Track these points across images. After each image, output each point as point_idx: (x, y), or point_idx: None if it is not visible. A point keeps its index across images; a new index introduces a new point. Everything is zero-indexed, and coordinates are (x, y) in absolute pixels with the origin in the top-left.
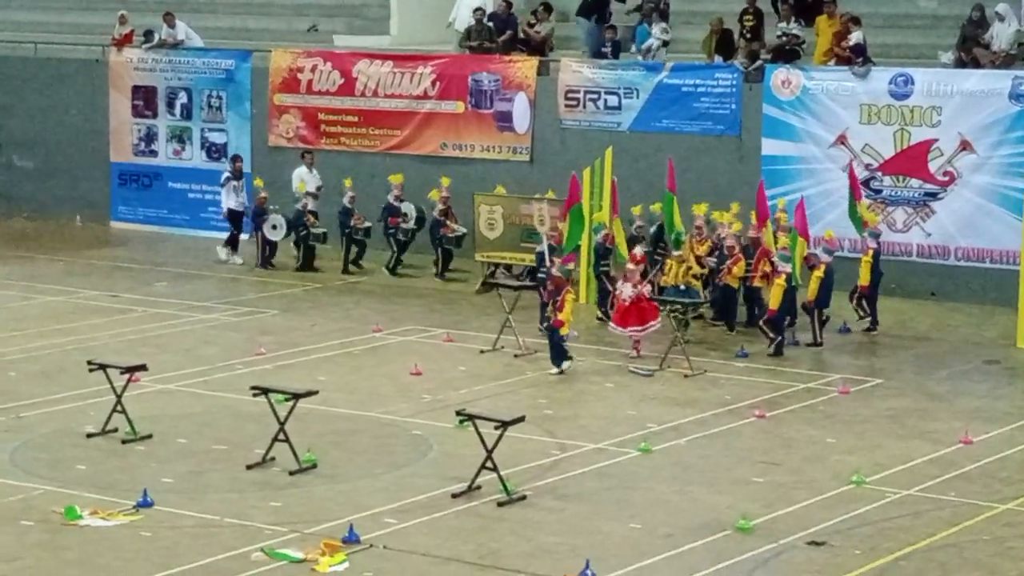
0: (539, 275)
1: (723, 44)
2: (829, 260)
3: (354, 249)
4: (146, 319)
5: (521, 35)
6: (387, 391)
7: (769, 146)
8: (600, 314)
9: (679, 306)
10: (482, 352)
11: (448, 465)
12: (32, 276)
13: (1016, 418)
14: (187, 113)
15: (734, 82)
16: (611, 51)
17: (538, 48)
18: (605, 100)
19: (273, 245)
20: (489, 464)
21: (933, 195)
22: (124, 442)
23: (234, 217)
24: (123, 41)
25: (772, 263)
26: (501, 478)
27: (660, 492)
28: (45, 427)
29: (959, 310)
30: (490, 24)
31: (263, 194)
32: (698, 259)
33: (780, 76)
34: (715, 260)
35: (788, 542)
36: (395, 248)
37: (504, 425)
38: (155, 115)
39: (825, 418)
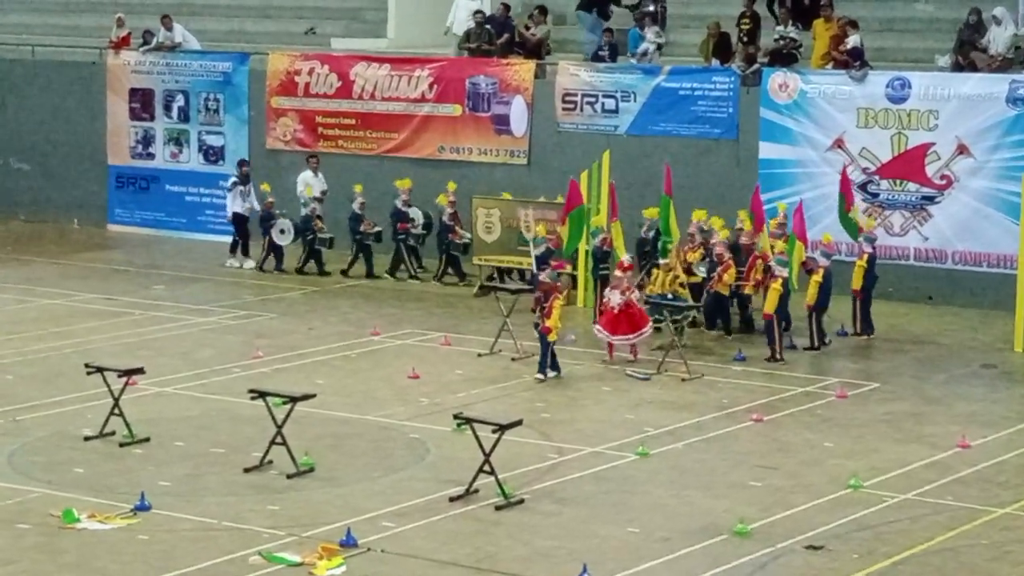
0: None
1: (720, 48)
2: (827, 264)
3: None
4: (143, 322)
5: (517, 38)
6: (385, 394)
7: (766, 150)
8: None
9: (674, 312)
10: (480, 356)
11: (445, 469)
12: (29, 279)
13: (1013, 422)
14: (184, 116)
15: (731, 86)
16: (608, 54)
17: (534, 51)
18: (602, 103)
19: (280, 250)
20: (487, 468)
21: (930, 199)
22: (121, 445)
23: (239, 222)
24: (120, 44)
25: (768, 267)
26: (499, 482)
27: (657, 496)
28: (42, 430)
29: (956, 314)
30: (489, 27)
31: (271, 199)
32: (688, 267)
33: (777, 80)
34: (705, 268)
35: (785, 546)
36: (404, 253)
37: (502, 429)
38: (152, 118)
39: (822, 422)
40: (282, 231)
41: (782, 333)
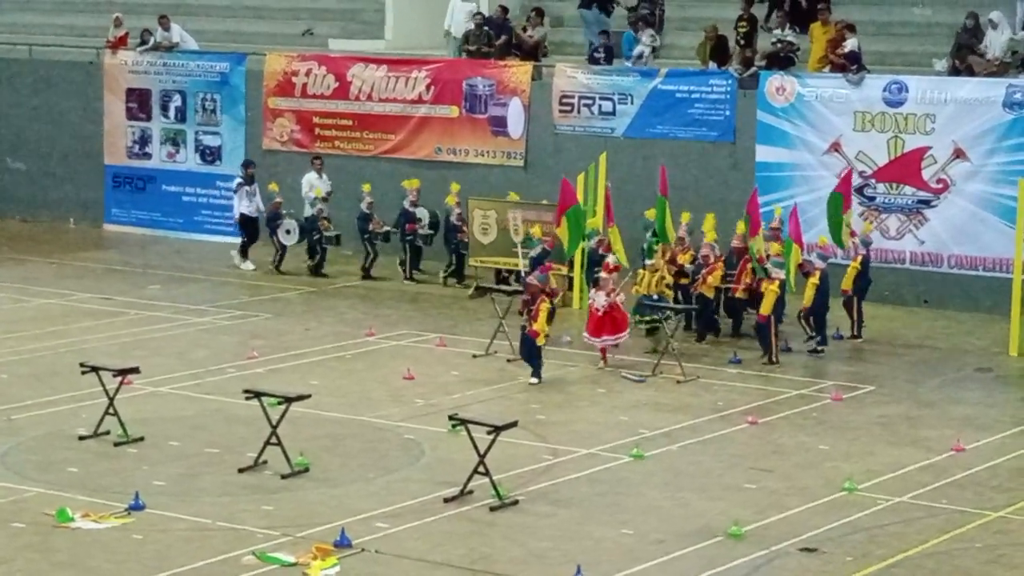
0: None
1: (718, 50)
2: (824, 266)
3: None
4: (139, 322)
5: (514, 40)
6: (380, 395)
7: (763, 153)
8: None
9: (669, 313)
10: (475, 357)
11: (440, 470)
12: (25, 278)
13: (1008, 426)
14: (181, 116)
15: (728, 88)
16: (604, 57)
17: (531, 53)
18: (599, 106)
19: (285, 249)
20: (481, 469)
21: (926, 203)
22: (116, 445)
23: (246, 223)
24: (118, 44)
25: (765, 271)
26: (493, 483)
27: (652, 498)
28: (37, 429)
29: (952, 318)
30: (487, 28)
31: (278, 199)
32: (680, 269)
33: (774, 83)
34: (693, 269)
35: (780, 549)
36: (409, 253)
37: (496, 430)
38: (149, 118)
39: (817, 425)
40: (288, 231)
41: (778, 336)
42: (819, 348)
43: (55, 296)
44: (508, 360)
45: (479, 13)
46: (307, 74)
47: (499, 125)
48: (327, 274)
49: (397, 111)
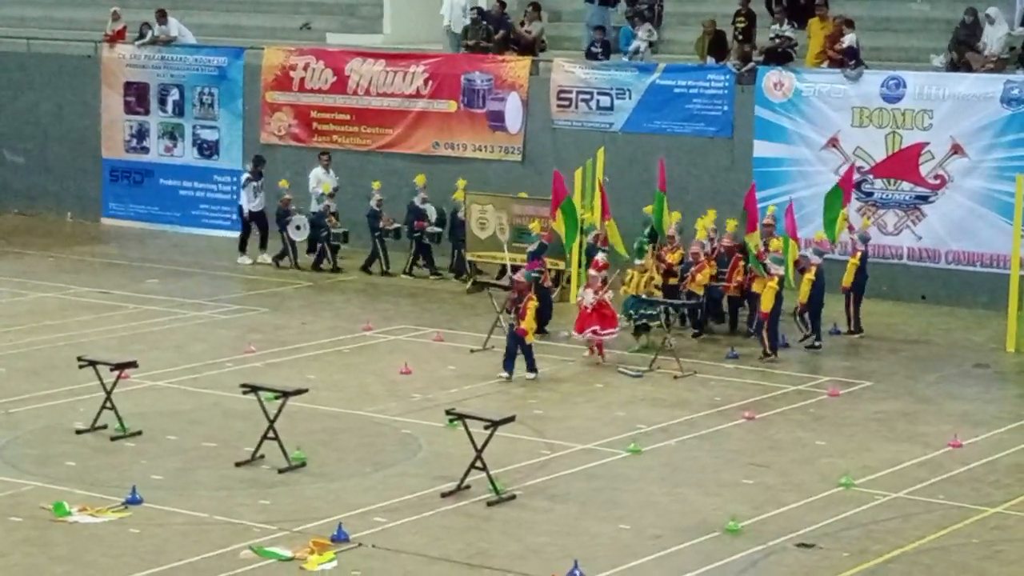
0: (532, 275)
1: (716, 46)
2: (820, 262)
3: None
4: (136, 316)
5: (512, 35)
6: (377, 390)
7: (761, 148)
8: None
9: (660, 310)
10: (472, 352)
11: (437, 464)
12: (23, 272)
13: (1005, 422)
14: (179, 110)
15: (726, 84)
16: (602, 52)
17: (528, 47)
18: (597, 100)
19: (294, 245)
20: (479, 464)
21: (924, 198)
22: (113, 439)
23: (252, 218)
24: (116, 37)
25: (764, 267)
26: (490, 478)
27: (649, 493)
28: (34, 423)
29: (949, 314)
30: (485, 23)
31: (288, 195)
32: (669, 268)
33: (772, 78)
34: (682, 268)
35: (777, 544)
36: (416, 250)
37: (494, 425)
38: (147, 112)
39: (814, 420)
40: (298, 227)
41: (776, 331)
42: (816, 344)
43: (53, 290)
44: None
45: (476, 8)
46: (305, 68)
47: (497, 120)
48: (341, 268)
49: (395, 106)
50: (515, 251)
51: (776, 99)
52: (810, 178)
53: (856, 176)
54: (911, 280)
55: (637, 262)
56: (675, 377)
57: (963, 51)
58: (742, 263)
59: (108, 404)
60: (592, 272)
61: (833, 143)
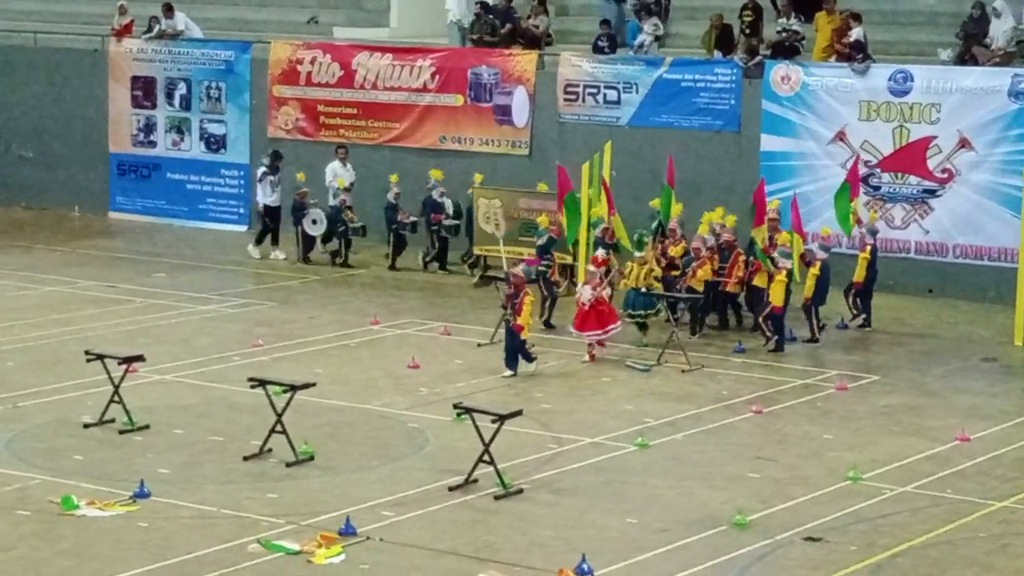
0: (540, 268)
1: (723, 39)
2: (825, 256)
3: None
4: (144, 310)
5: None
6: (384, 384)
7: (768, 142)
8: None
9: (660, 306)
10: (479, 345)
11: (444, 458)
12: (30, 266)
13: (1012, 416)
14: (186, 104)
15: (733, 78)
16: (608, 46)
17: (535, 42)
18: (604, 94)
19: (311, 240)
20: (486, 458)
21: (931, 192)
22: (121, 432)
23: (268, 212)
24: (123, 31)
25: (772, 260)
26: (498, 472)
27: (656, 487)
28: (42, 417)
29: (956, 307)
30: (491, 17)
31: (304, 189)
32: (671, 261)
33: (779, 72)
34: (684, 262)
35: (784, 538)
36: (435, 244)
37: (501, 419)
38: (154, 106)
39: (822, 414)
40: (314, 221)
41: (783, 325)
42: (815, 339)
43: (60, 284)
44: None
45: (480, 2)
46: (312, 62)
47: (504, 114)
48: (353, 264)
49: (402, 99)
50: (522, 245)
51: (783, 93)
52: (817, 172)
53: (864, 170)
54: (918, 274)
55: (637, 254)
56: (682, 371)
57: (970, 45)
58: (742, 258)
59: (116, 398)
60: (590, 268)
61: (840, 137)
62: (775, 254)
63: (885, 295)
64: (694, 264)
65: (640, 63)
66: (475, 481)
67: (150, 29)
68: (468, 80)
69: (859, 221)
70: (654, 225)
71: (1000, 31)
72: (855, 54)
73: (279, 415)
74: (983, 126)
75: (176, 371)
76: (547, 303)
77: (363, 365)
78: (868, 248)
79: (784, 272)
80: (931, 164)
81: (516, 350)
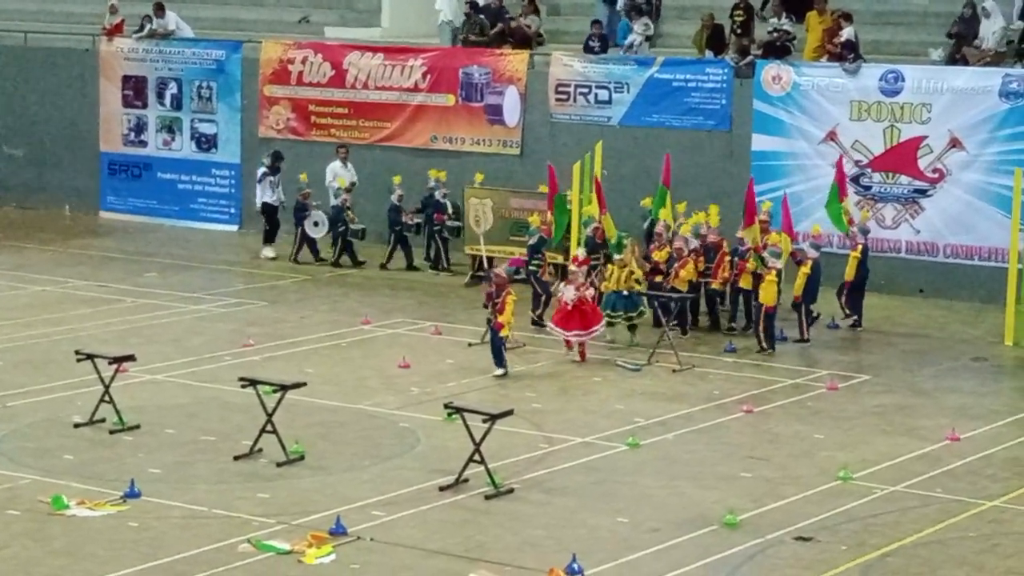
0: (530, 268)
1: (714, 39)
2: (816, 255)
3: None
4: (135, 309)
5: (508, 29)
6: (375, 383)
7: (759, 142)
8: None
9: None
10: (470, 345)
11: (435, 458)
12: (21, 265)
13: (1003, 415)
14: (177, 104)
15: (725, 77)
16: (599, 46)
17: (526, 41)
18: (596, 94)
19: (313, 241)
20: (477, 457)
21: (922, 192)
22: (112, 432)
23: (269, 212)
24: (114, 31)
25: (762, 260)
26: (489, 471)
27: (647, 487)
28: (32, 416)
29: (947, 307)
30: (481, 17)
31: (307, 190)
32: (656, 266)
33: (771, 72)
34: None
35: (775, 537)
36: (439, 244)
37: (492, 418)
38: (145, 105)
39: (812, 414)
40: (316, 223)
41: (773, 324)
42: (804, 339)
43: (51, 283)
44: (504, 348)
45: (469, 2)
46: (303, 62)
47: (495, 113)
48: (363, 261)
49: (393, 99)
50: (512, 244)
51: (774, 93)
52: (808, 172)
53: (855, 169)
54: (909, 274)
55: (616, 257)
56: (673, 371)
57: (961, 45)
58: (727, 259)
59: (106, 398)
60: (572, 268)
61: (831, 137)
62: (765, 254)
63: (876, 295)
64: (676, 265)
65: (631, 63)
66: (466, 481)
67: (141, 28)
68: (459, 80)
69: (850, 221)
70: (646, 225)
71: (990, 31)
72: (846, 54)
73: (269, 415)
74: (974, 126)
75: (167, 371)
76: (543, 299)
77: (354, 365)
78: (859, 247)
79: (774, 272)
80: (922, 164)
81: (497, 349)
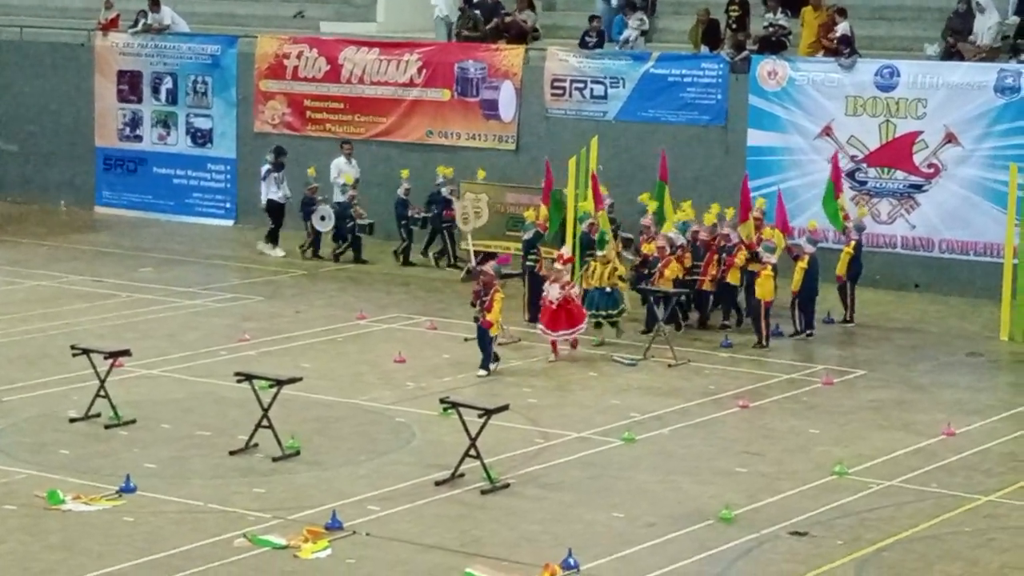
0: (527, 263)
1: (709, 34)
2: (813, 251)
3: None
4: (130, 304)
5: (504, 24)
6: (371, 378)
7: (755, 137)
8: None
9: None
10: (466, 340)
11: (431, 453)
12: (16, 260)
13: (998, 410)
14: (172, 98)
15: (720, 72)
16: (595, 41)
17: (521, 36)
18: (591, 89)
19: (319, 236)
20: (473, 452)
21: (918, 187)
22: (107, 427)
23: (274, 209)
24: (109, 26)
25: (756, 255)
26: (484, 466)
27: (643, 481)
28: (28, 411)
29: (943, 302)
30: (477, 12)
31: (314, 184)
32: (645, 259)
33: (766, 67)
34: (652, 261)
35: (770, 532)
36: (447, 240)
37: (488, 413)
38: (140, 100)
39: (808, 409)
40: (322, 217)
41: (769, 319)
42: (809, 332)
43: (46, 278)
44: (499, 343)
45: None
46: (298, 57)
47: (491, 108)
48: (367, 260)
49: (388, 94)
50: (508, 239)
51: (770, 88)
52: (804, 167)
53: (850, 165)
54: (905, 269)
55: (599, 253)
56: (669, 366)
57: (956, 40)
58: (716, 256)
59: (102, 392)
60: (557, 266)
61: (827, 132)
62: (759, 249)
63: (871, 290)
64: (660, 264)
65: (627, 58)
66: (462, 476)
67: (136, 23)
68: (455, 75)
69: (847, 217)
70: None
71: (985, 27)
72: (841, 49)
73: (265, 410)
74: (969, 121)
75: (163, 365)
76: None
77: (350, 360)
78: (852, 243)
79: (769, 267)
80: (917, 159)
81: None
